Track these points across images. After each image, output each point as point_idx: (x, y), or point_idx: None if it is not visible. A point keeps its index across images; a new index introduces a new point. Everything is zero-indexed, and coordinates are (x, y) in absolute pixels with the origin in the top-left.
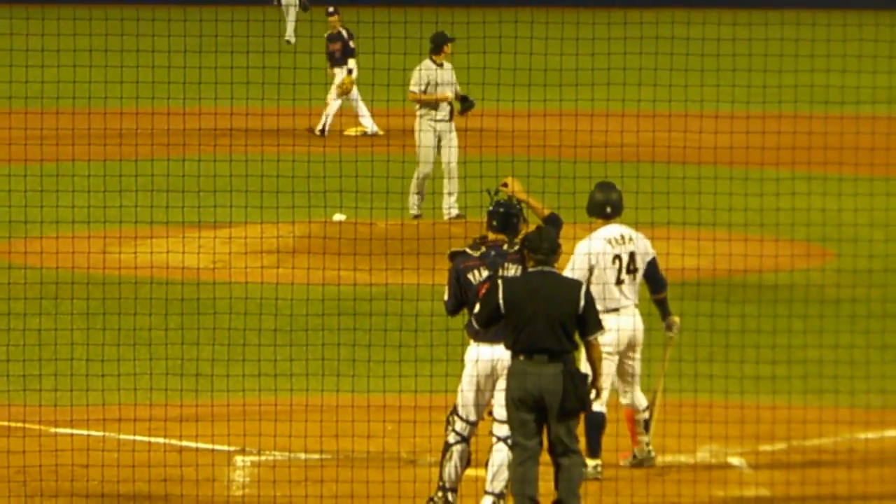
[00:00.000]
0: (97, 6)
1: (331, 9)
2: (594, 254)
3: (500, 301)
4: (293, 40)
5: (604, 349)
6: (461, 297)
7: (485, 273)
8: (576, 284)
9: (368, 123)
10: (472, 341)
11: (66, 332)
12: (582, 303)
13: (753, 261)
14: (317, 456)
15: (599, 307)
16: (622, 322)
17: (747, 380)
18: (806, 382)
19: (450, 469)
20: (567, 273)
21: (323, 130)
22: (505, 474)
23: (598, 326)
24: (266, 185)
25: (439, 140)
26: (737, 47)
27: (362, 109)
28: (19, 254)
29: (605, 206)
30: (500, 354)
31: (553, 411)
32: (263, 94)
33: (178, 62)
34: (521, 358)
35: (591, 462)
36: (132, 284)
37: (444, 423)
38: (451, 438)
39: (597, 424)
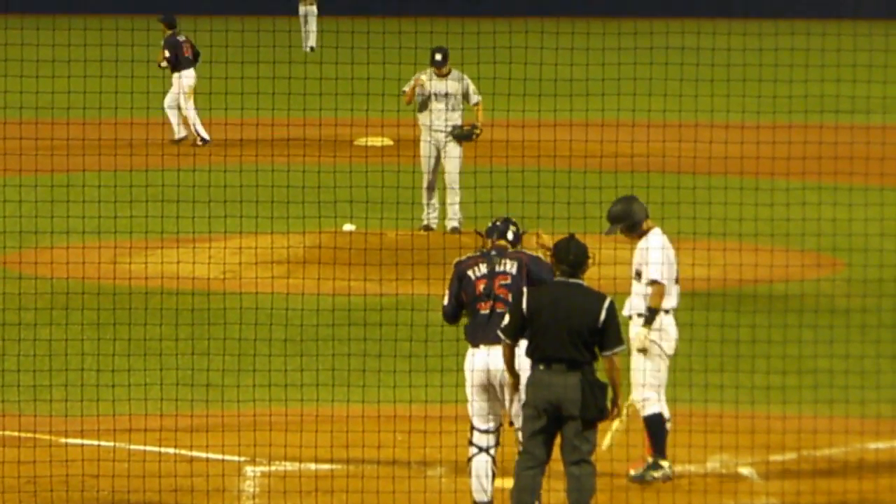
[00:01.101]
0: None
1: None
2: (668, 249)
3: (524, 308)
4: (314, 47)
5: (664, 352)
6: (460, 297)
7: (483, 268)
8: (600, 297)
9: (201, 131)
10: (469, 346)
11: (76, 343)
12: (603, 316)
13: (764, 271)
14: (327, 466)
15: (666, 305)
16: (673, 324)
17: (758, 390)
18: (816, 392)
19: (473, 482)
20: (658, 266)
21: (203, 139)
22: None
23: (618, 343)
24: (276, 195)
25: (438, 151)
26: (747, 57)
27: (194, 117)
28: (30, 264)
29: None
30: (495, 363)
31: (570, 420)
32: (274, 105)
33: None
34: (541, 367)
35: (664, 462)
36: (143, 295)
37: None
38: (470, 451)
39: (656, 425)
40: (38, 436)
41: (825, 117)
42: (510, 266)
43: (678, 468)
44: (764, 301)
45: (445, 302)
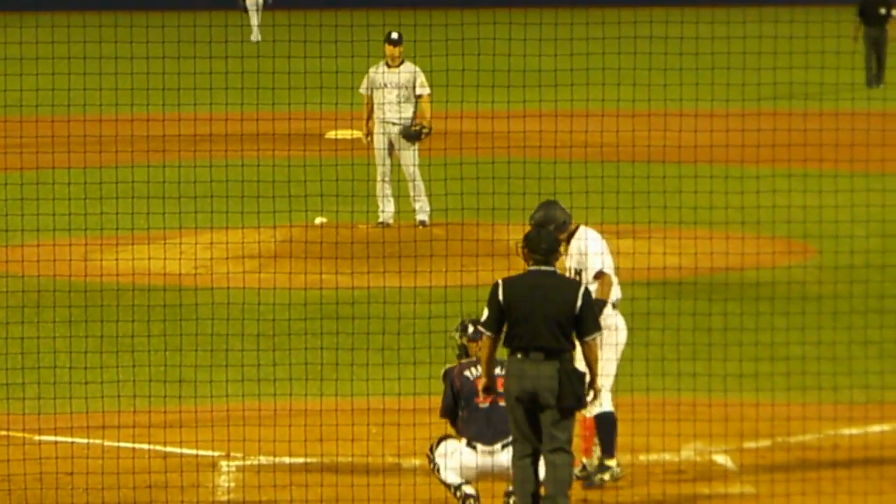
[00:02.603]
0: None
1: None
2: (603, 241)
3: (500, 298)
4: (259, 39)
5: (619, 347)
6: (453, 403)
7: (480, 369)
8: (574, 284)
9: None
10: (461, 439)
11: (48, 340)
12: (579, 303)
13: (735, 258)
14: (301, 460)
15: (613, 297)
16: (621, 317)
17: (731, 377)
18: (789, 379)
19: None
20: (599, 256)
21: None
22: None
23: (596, 328)
24: (246, 189)
25: (391, 143)
26: (715, 45)
27: None
28: (0, 262)
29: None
30: (499, 462)
31: (547, 409)
32: (242, 99)
33: (157, 68)
34: (519, 356)
35: (610, 462)
36: (114, 291)
37: (427, 425)
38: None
39: (608, 424)
40: (11, 434)
41: (794, 104)
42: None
43: (653, 457)
44: (735, 288)
45: (441, 405)
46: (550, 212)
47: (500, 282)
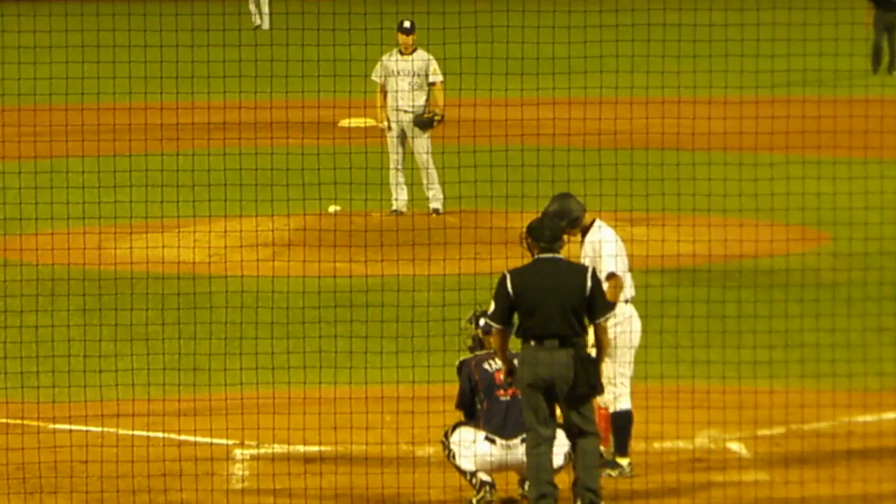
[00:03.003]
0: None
1: None
2: (618, 240)
3: (510, 290)
4: (266, 27)
5: (633, 349)
6: (470, 395)
7: (499, 362)
8: (582, 269)
9: None
10: (474, 429)
11: (62, 329)
12: (589, 285)
13: (749, 245)
14: (315, 448)
15: (627, 296)
16: (635, 314)
17: (745, 365)
18: (803, 366)
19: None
20: (613, 258)
21: None
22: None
23: (607, 308)
24: (260, 178)
25: (403, 131)
26: (729, 32)
27: None
28: (15, 251)
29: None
30: (514, 457)
31: (564, 397)
32: (256, 88)
33: (171, 57)
34: (532, 343)
35: (622, 461)
36: (128, 280)
37: (441, 413)
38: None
39: (624, 422)
40: (26, 422)
41: (808, 91)
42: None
43: (667, 444)
44: (749, 276)
45: (458, 397)
46: (565, 204)
47: (507, 273)
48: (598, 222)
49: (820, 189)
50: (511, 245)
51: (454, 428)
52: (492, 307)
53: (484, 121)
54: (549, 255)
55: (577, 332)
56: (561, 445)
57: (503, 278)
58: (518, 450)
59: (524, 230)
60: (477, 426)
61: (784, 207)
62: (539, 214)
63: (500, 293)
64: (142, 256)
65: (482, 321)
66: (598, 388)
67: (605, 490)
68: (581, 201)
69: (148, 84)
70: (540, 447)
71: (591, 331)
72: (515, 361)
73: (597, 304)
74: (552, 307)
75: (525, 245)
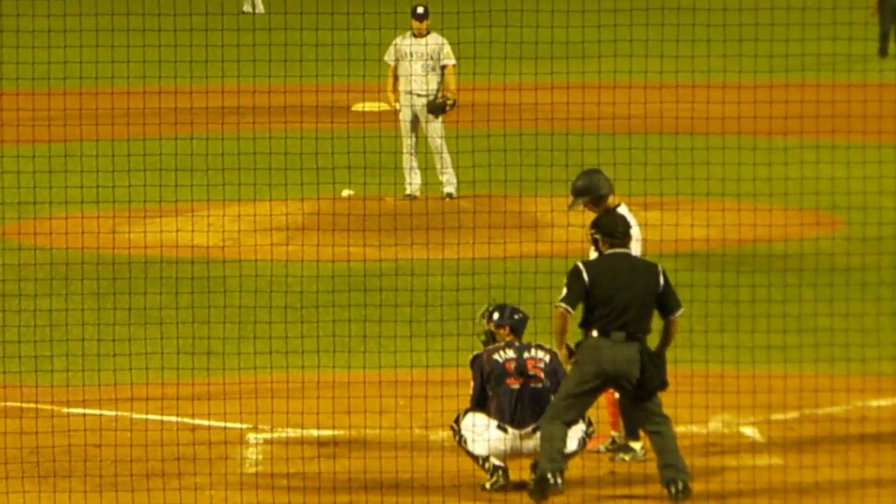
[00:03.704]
0: None
1: None
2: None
3: (586, 279)
4: (261, 10)
5: None
6: (482, 390)
7: (511, 352)
8: (653, 265)
9: None
10: (487, 417)
11: (76, 313)
12: (662, 282)
13: (763, 230)
14: (329, 433)
15: None
16: None
17: (758, 349)
18: (817, 351)
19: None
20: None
21: None
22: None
23: (679, 305)
24: (274, 162)
25: (416, 115)
26: (743, 16)
27: None
28: (29, 235)
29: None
30: (528, 447)
31: (633, 391)
32: (270, 72)
33: (185, 41)
34: (596, 335)
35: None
36: (142, 264)
37: (455, 397)
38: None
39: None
40: (39, 406)
41: (822, 76)
42: (542, 354)
43: (681, 428)
44: (763, 260)
45: (472, 395)
46: (593, 180)
47: (581, 265)
48: (622, 206)
49: (834, 174)
50: (525, 229)
51: (465, 413)
52: (565, 291)
53: (498, 105)
54: (621, 250)
55: (645, 328)
56: (576, 430)
57: (577, 269)
58: (531, 438)
59: (590, 227)
60: (489, 414)
61: (798, 192)
62: (571, 194)
63: (576, 280)
64: (156, 240)
65: (496, 315)
66: (667, 382)
67: (619, 475)
68: (610, 181)
69: (162, 68)
70: (556, 421)
71: None
72: (512, 353)
73: (671, 300)
74: (624, 301)
75: (592, 241)
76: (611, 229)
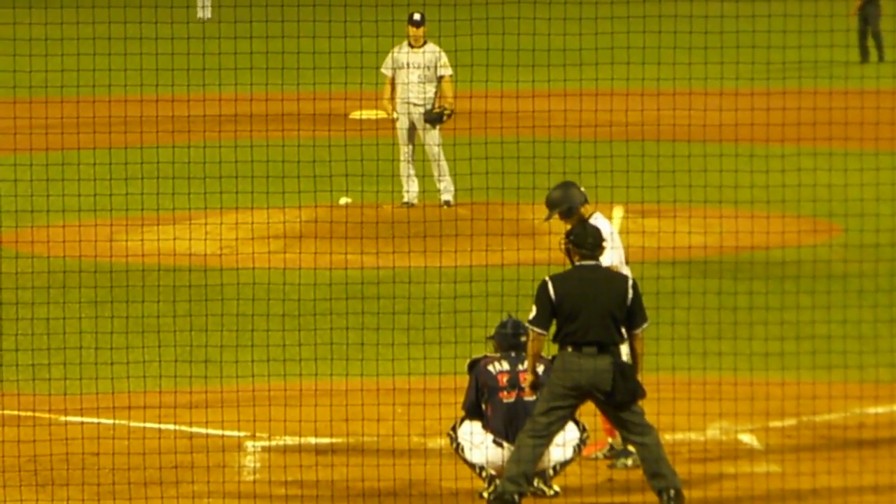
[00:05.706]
0: None
1: None
2: (615, 232)
3: (552, 295)
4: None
5: None
6: (475, 398)
7: (505, 364)
8: (623, 278)
9: None
10: (485, 431)
11: (74, 321)
12: (630, 294)
13: (760, 237)
14: (327, 440)
15: None
16: None
17: (756, 356)
18: (815, 358)
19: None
20: (610, 251)
21: None
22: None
23: (645, 319)
24: (271, 170)
25: (413, 123)
26: (740, 24)
27: None
28: (26, 243)
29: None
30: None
31: (605, 404)
32: (267, 80)
33: (182, 49)
34: (570, 350)
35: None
36: (139, 272)
37: (453, 405)
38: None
39: None
40: (37, 414)
41: (819, 83)
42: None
43: (678, 436)
44: (761, 268)
45: (465, 398)
46: (567, 192)
47: (548, 279)
48: (597, 215)
49: (831, 181)
50: (522, 237)
51: (461, 421)
52: (534, 311)
53: (495, 112)
54: (591, 262)
55: (615, 339)
56: (571, 438)
57: (544, 284)
58: None
59: (564, 237)
60: (484, 427)
61: (795, 199)
62: (546, 206)
63: (543, 298)
64: (153, 249)
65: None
66: (638, 394)
67: (617, 482)
68: (584, 192)
69: (159, 76)
70: (537, 440)
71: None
72: (540, 368)
73: (636, 314)
74: (593, 314)
75: (564, 251)
76: (581, 241)
